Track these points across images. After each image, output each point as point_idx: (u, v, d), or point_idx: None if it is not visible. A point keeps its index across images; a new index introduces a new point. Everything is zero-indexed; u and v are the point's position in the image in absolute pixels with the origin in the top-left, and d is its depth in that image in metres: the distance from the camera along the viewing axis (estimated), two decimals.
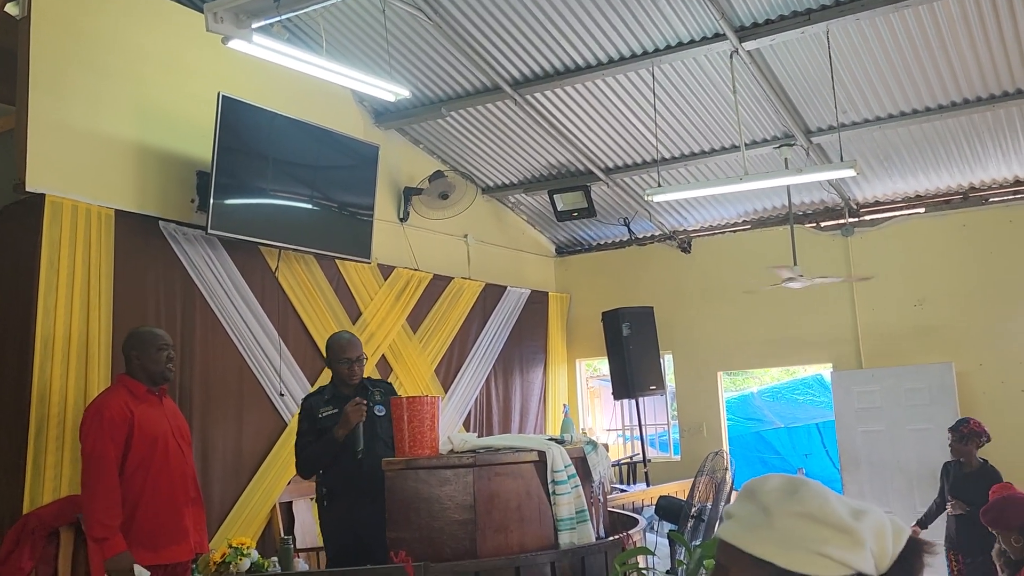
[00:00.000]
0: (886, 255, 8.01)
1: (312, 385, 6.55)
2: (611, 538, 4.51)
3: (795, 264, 7.35)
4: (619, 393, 8.52)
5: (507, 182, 8.65)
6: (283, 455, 6.25)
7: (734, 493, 7.68)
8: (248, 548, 5.19)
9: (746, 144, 7.13)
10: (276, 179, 6.22)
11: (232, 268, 6.08)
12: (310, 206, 6.46)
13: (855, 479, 7.73)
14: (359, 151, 6.84)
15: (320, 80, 5.30)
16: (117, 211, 5.37)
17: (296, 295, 6.55)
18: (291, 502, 6.29)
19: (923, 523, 6.49)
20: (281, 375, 6.29)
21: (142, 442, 4.19)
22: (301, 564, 5.65)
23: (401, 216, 7.69)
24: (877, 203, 8.21)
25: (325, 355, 4.92)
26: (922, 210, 8.02)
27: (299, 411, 4.90)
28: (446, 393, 7.83)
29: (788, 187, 7.68)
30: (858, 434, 7.76)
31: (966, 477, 6.37)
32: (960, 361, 7.57)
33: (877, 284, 7.92)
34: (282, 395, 6.27)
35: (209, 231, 5.64)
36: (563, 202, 8.35)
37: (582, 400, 9.75)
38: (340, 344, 4.83)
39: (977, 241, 7.70)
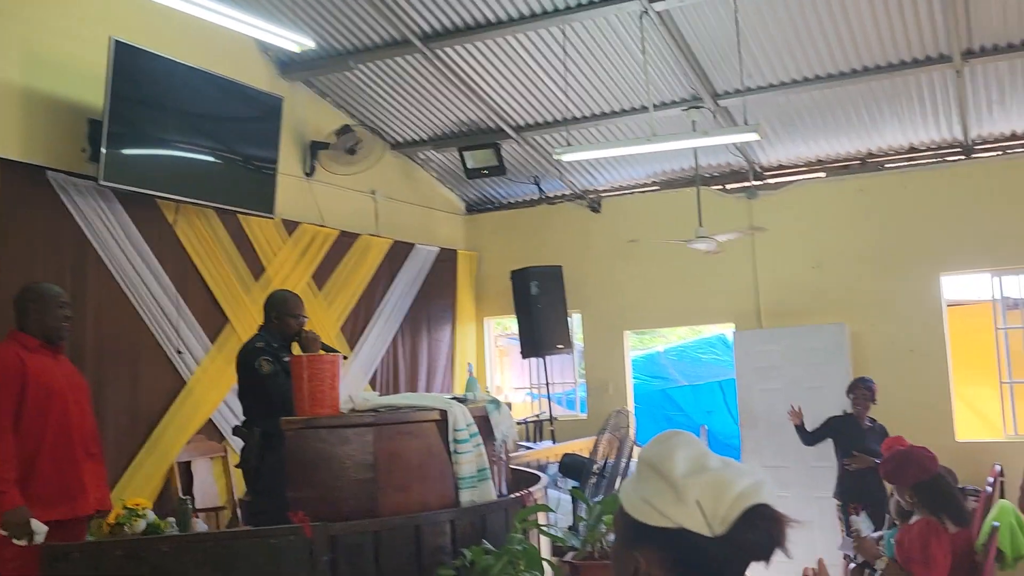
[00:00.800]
0: (787, 218, 8.20)
1: (212, 343, 6.41)
2: (512, 496, 4.55)
3: (700, 225, 7.46)
4: (527, 352, 8.57)
5: (416, 138, 8.53)
6: (182, 413, 6.12)
7: (636, 449, 7.85)
8: (144, 509, 5.08)
9: (655, 105, 7.18)
10: (174, 129, 6.01)
11: (127, 221, 5.86)
12: (211, 158, 6.27)
13: (753, 436, 7.97)
14: (262, 102, 6.65)
15: (222, 28, 5.10)
16: (1, 160, 5.11)
17: (196, 250, 6.36)
18: (190, 462, 6.16)
19: (800, 428, 6.86)
20: (180, 332, 6.12)
21: (37, 393, 4.05)
22: (200, 525, 5.56)
23: (307, 171, 7.53)
24: (780, 167, 8.38)
25: (267, 310, 4.96)
26: (822, 175, 8.22)
27: (256, 359, 4.71)
28: (352, 352, 7.74)
29: (695, 149, 7.76)
30: (757, 392, 7.98)
31: (865, 433, 6.65)
32: (853, 322, 7.83)
33: (778, 247, 8.11)
34: (180, 353, 6.12)
35: (101, 182, 5.42)
36: (473, 160, 8.29)
37: (490, 359, 9.78)
38: (295, 300, 4.99)
39: (873, 206, 7.94)
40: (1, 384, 3.98)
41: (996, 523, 4.94)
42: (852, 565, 5.68)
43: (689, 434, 1.35)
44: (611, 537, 1.39)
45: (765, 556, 1.26)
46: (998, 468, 6.86)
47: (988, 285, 7.80)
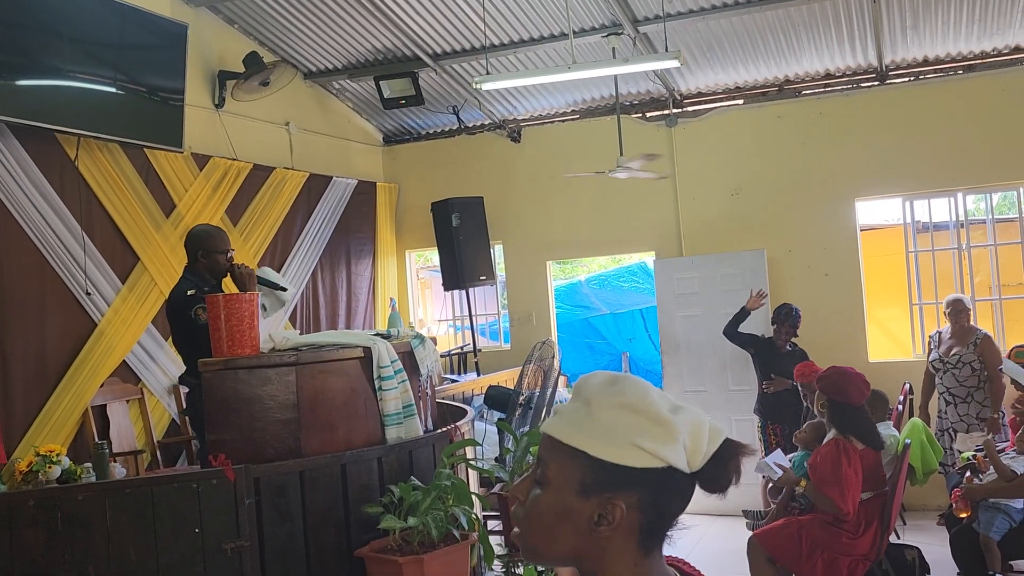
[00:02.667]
0: (707, 146, 8.23)
1: (123, 283, 6.19)
2: (439, 431, 4.53)
3: (621, 153, 7.43)
4: (449, 284, 8.51)
5: (331, 67, 8.26)
6: (94, 356, 5.92)
7: (562, 379, 7.93)
8: (58, 455, 4.91)
9: (575, 32, 7.06)
10: (72, 59, 5.68)
11: (24, 157, 5.56)
12: (112, 89, 5.96)
13: (674, 361, 8.10)
14: (166, 29, 6.32)
15: None
16: None
17: (100, 186, 6.08)
18: (105, 405, 5.98)
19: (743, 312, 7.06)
20: (87, 272, 5.88)
21: None
22: (119, 470, 5.41)
23: (216, 102, 7.22)
24: (700, 94, 8.37)
25: (190, 249, 4.79)
26: (741, 102, 8.25)
27: (191, 308, 4.51)
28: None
29: (615, 77, 7.69)
30: (678, 319, 8.09)
31: (783, 358, 6.85)
32: (771, 248, 7.96)
33: (698, 174, 8.15)
34: (89, 294, 5.88)
35: None
36: (390, 89, 8.07)
37: (412, 292, 9.69)
38: (220, 235, 4.83)
39: (790, 133, 8.01)
40: None
41: (908, 440, 5.14)
42: (770, 485, 5.86)
43: (625, 373, 1.32)
44: (536, 492, 1.30)
45: (724, 489, 1.28)
46: (908, 386, 7.13)
47: (900, 209, 7.99)
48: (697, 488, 1.28)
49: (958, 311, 6.55)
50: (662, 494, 1.24)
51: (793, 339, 7.06)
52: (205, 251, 4.75)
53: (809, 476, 4.81)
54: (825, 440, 4.77)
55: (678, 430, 1.24)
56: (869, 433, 4.74)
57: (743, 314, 7.07)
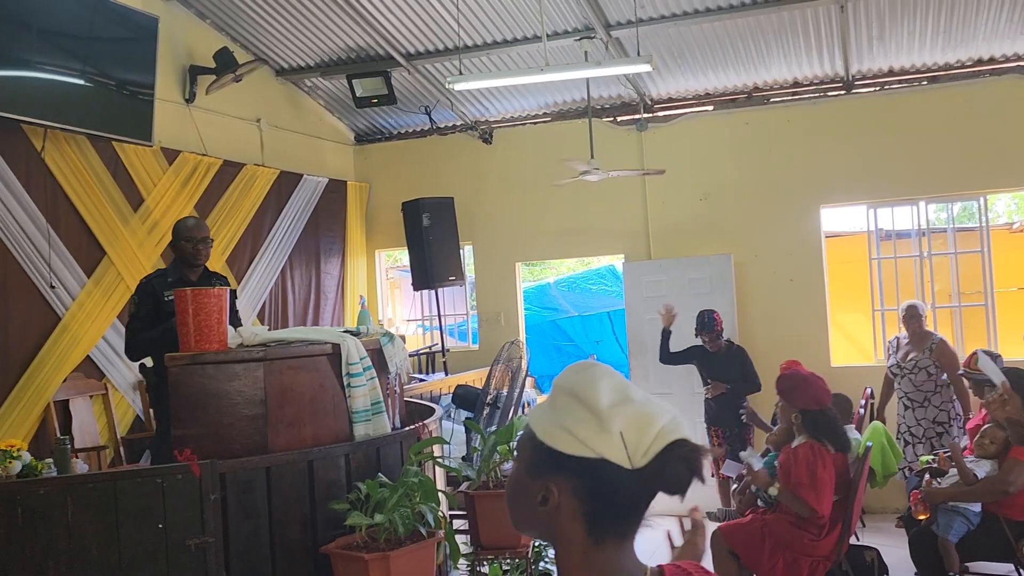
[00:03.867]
0: (676, 151, 8.30)
1: (88, 277, 6.13)
2: (407, 428, 4.54)
3: (592, 157, 7.48)
4: (419, 284, 8.51)
5: (303, 64, 8.23)
6: (57, 350, 5.85)
7: (530, 380, 7.95)
8: (19, 450, 4.85)
9: (548, 35, 7.09)
10: (41, 50, 5.63)
11: None
12: (81, 81, 5.91)
13: (641, 364, 8.15)
14: (136, 22, 6.28)
15: None
16: None
17: (67, 179, 6.02)
18: (68, 400, 5.92)
19: (666, 333, 7.17)
20: (51, 266, 5.81)
21: None
22: (81, 465, 5.35)
23: (187, 97, 7.17)
24: (670, 99, 8.44)
25: (172, 238, 4.95)
26: (710, 108, 8.33)
27: (136, 293, 4.82)
28: (239, 285, 7.52)
29: (587, 81, 7.74)
30: (645, 321, 8.14)
31: (720, 359, 6.94)
32: (738, 252, 8.04)
33: (667, 179, 8.21)
34: (53, 287, 5.82)
35: None
36: (362, 88, 8.06)
37: (381, 291, 9.67)
38: (187, 224, 4.88)
39: (758, 139, 8.11)
40: None
41: (869, 443, 5.22)
42: (735, 487, 5.91)
43: (608, 367, 1.33)
44: (507, 466, 1.34)
45: (681, 490, 1.26)
46: (869, 391, 7.23)
47: (864, 217, 8.11)
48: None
49: (911, 316, 6.65)
50: (599, 485, 1.24)
51: (734, 341, 7.14)
52: (174, 239, 4.88)
53: (779, 477, 4.87)
54: (795, 443, 4.82)
55: (612, 422, 1.23)
56: (841, 436, 4.82)
57: (665, 335, 7.18)
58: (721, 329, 6.98)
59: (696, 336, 7.06)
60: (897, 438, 6.56)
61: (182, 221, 4.96)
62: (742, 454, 5.50)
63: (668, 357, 7.20)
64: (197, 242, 4.77)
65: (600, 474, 1.23)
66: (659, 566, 1.35)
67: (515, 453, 1.36)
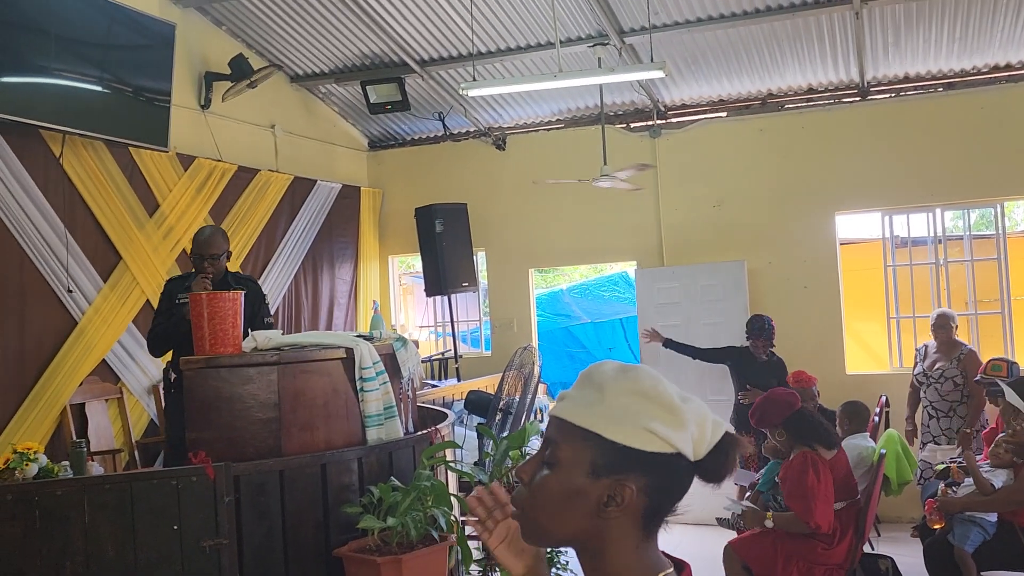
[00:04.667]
0: (690, 157, 8.30)
1: (104, 282, 6.18)
2: (419, 433, 4.55)
3: (605, 163, 7.48)
4: (432, 290, 8.53)
5: (317, 71, 8.28)
6: (73, 355, 5.90)
7: (542, 386, 7.95)
8: (35, 453, 4.88)
9: (561, 42, 7.12)
10: (60, 57, 5.68)
11: (8, 153, 5.55)
12: (99, 88, 5.96)
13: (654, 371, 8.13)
14: (154, 30, 6.33)
15: None
16: None
17: (84, 184, 6.07)
18: (84, 404, 5.96)
19: (668, 342, 7.31)
20: (69, 270, 5.86)
21: None
22: (96, 468, 5.38)
23: (202, 103, 7.22)
24: (684, 106, 8.45)
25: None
26: (724, 114, 8.33)
27: (161, 293, 5.00)
28: None
29: (600, 87, 7.75)
30: (658, 328, 8.12)
31: (760, 367, 6.89)
32: (752, 259, 8.03)
33: (680, 186, 8.21)
34: (70, 292, 5.86)
35: None
36: (376, 94, 8.10)
37: (395, 297, 9.70)
38: (198, 240, 4.88)
39: (772, 146, 8.09)
40: None
41: (883, 451, 5.20)
42: (748, 494, 5.89)
43: (636, 363, 1.38)
44: (544, 473, 1.32)
45: (722, 479, 1.34)
46: (884, 399, 7.20)
47: (879, 224, 8.08)
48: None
49: (940, 325, 6.58)
50: (668, 479, 1.29)
51: (771, 348, 7.09)
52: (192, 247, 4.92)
53: (781, 489, 4.85)
54: (792, 455, 4.81)
55: (687, 418, 1.29)
56: (827, 432, 4.82)
57: (672, 345, 7.30)
58: (773, 339, 6.96)
59: (748, 339, 6.96)
60: (922, 447, 6.50)
61: (198, 232, 4.97)
62: (725, 507, 5.48)
63: (702, 354, 7.18)
64: (204, 259, 4.73)
65: (673, 468, 1.29)
66: (673, 558, 1.39)
67: (549, 462, 1.33)
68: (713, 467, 1.32)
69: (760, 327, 6.92)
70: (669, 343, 7.27)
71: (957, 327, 6.67)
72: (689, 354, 7.22)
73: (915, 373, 6.68)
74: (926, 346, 6.72)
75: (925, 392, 6.55)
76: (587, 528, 1.30)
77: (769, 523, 4.75)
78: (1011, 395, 5.17)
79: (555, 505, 1.31)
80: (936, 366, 6.49)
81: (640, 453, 1.27)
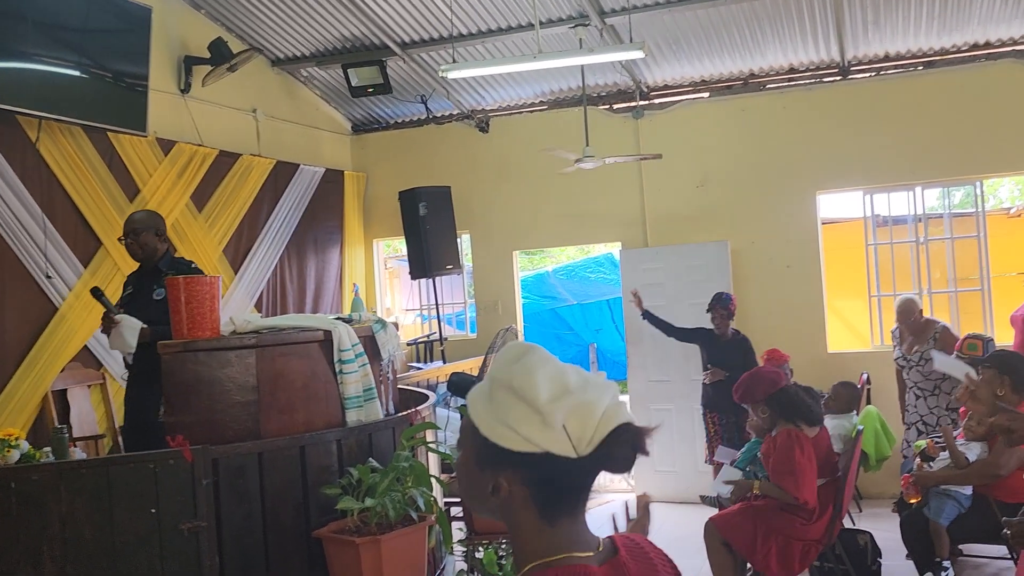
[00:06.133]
0: (672, 138, 8.30)
1: (85, 267, 6.17)
2: (399, 414, 4.57)
3: (588, 145, 7.48)
4: (416, 273, 8.53)
5: (298, 54, 8.24)
6: (54, 340, 5.89)
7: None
8: (16, 439, 4.88)
9: (542, 23, 7.10)
10: (36, 42, 5.64)
11: None
12: (76, 72, 5.93)
13: (639, 351, 8.17)
14: (130, 13, 6.29)
15: None
16: None
17: (62, 170, 6.04)
18: (66, 390, 5.96)
19: (647, 313, 7.35)
20: (48, 256, 5.84)
21: None
22: (79, 453, 5.39)
23: (182, 87, 7.19)
24: (666, 87, 8.45)
25: None
26: (706, 95, 8.33)
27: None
28: (236, 275, 7.56)
29: (582, 68, 7.74)
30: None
31: (724, 346, 6.93)
32: (735, 239, 8.06)
33: (663, 166, 8.22)
34: (49, 277, 5.85)
35: None
36: (358, 77, 8.07)
37: (380, 280, 9.70)
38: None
39: (754, 126, 8.10)
40: None
41: (861, 427, 5.24)
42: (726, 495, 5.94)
43: (541, 349, 1.34)
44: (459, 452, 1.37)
45: (626, 470, 1.31)
46: (865, 376, 7.26)
47: (860, 203, 8.11)
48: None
49: (906, 311, 6.53)
50: (546, 475, 1.28)
51: (739, 329, 7.11)
52: None
53: (764, 466, 4.90)
54: (775, 433, 4.85)
55: (554, 417, 1.25)
56: (810, 409, 4.86)
57: (650, 317, 7.30)
58: (733, 312, 6.96)
59: (708, 311, 6.98)
60: (909, 427, 6.52)
61: None
62: (713, 487, 5.52)
63: (674, 331, 7.21)
64: (126, 236, 4.64)
65: (547, 466, 1.27)
66: (610, 537, 1.38)
67: (459, 440, 1.37)
68: (608, 459, 1.27)
69: (719, 298, 6.96)
70: (647, 315, 7.30)
71: (921, 310, 6.64)
72: (663, 329, 7.25)
73: (895, 358, 6.70)
74: (900, 328, 6.70)
75: (908, 374, 6.56)
76: (492, 510, 1.34)
77: (756, 491, 4.80)
78: (939, 362, 5.31)
79: (464, 484, 1.37)
80: (915, 349, 6.50)
81: (508, 451, 1.27)
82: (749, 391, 4.96)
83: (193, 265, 4.68)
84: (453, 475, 4.83)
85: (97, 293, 4.49)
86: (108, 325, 4.41)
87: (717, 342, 7.00)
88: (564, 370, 1.30)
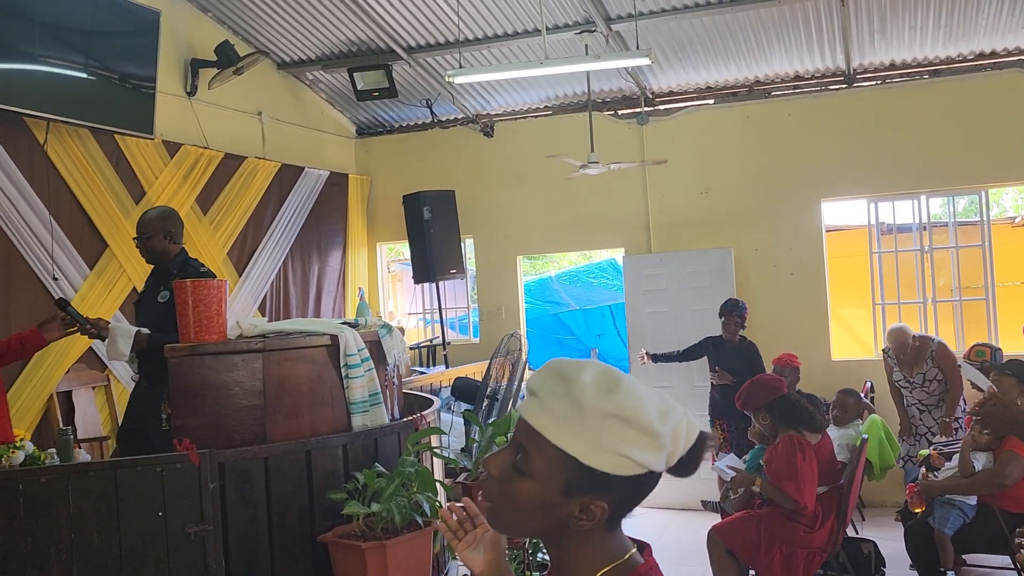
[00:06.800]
0: (677, 144, 8.31)
1: (90, 269, 6.18)
2: (404, 419, 4.57)
3: (592, 151, 7.49)
4: (420, 277, 8.53)
5: (304, 57, 8.26)
6: (59, 342, 5.85)
7: (530, 373, 7.97)
8: (22, 440, 4.89)
9: (548, 28, 7.11)
10: (44, 44, 5.66)
11: None
12: (83, 75, 5.95)
13: None
14: (139, 16, 6.31)
15: None
16: None
17: (69, 172, 6.06)
18: (71, 391, 5.96)
19: (655, 357, 7.28)
20: (54, 257, 5.85)
21: None
22: (83, 455, 5.39)
23: (188, 90, 7.20)
24: (671, 93, 8.45)
25: None
26: (711, 101, 8.34)
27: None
28: (240, 277, 7.57)
29: (588, 74, 7.75)
30: (645, 315, 8.17)
31: (731, 352, 6.94)
32: (739, 246, 8.06)
33: (667, 173, 8.23)
34: (56, 279, 5.86)
35: None
36: (363, 81, 8.08)
37: (383, 284, 9.70)
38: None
39: (759, 133, 8.11)
40: None
41: (865, 436, 5.24)
42: (727, 483, 5.94)
43: (619, 371, 1.34)
44: (516, 478, 1.33)
45: (691, 474, 1.37)
46: (869, 384, 7.26)
47: (864, 211, 8.11)
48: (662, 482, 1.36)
49: (898, 345, 6.48)
50: (638, 491, 1.32)
51: (746, 336, 7.11)
52: None
53: (766, 473, 4.90)
54: (777, 439, 4.86)
55: (666, 440, 1.28)
56: (812, 416, 4.86)
57: (660, 357, 7.31)
58: (745, 320, 6.98)
59: (721, 316, 6.97)
60: (916, 439, 6.49)
61: None
62: (713, 464, 5.53)
63: (684, 355, 7.22)
64: (136, 240, 4.61)
65: (645, 483, 1.31)
66: (635, 540, 1.41)
67: (520, 469, 1.32)
68: (683, 468, 1.34)
69: (733, 304, 6.98)
70: (656, 358, 7.31)
71: (913, 335, 6.55)
72: (676, 359, 7.26)
73: (895, 380, 6.61)
74: (895, 355, 6.58)
75: (911, 393, 6.52)
76: (556, 529, 1.33)
77: (757, 487, 4.80)
78: (968, 371, 5.31)
79: (527, 511, 1.33)
80: (916, 373, 6.47)
81: (615, 477, 1.27)
82: (750, 397, 4.97)
83: (203, 268, 4.59)
84: (458, 480, 4.84)
85: (63, 304, 4.36)
86: (93, 334, 4.34)
87: (724, 348, 7.01)
88: (648, 389, 1.32)
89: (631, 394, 1.27)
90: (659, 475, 1.32)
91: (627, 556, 1.34)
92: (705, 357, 7.19)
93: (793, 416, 4.82)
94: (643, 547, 1.40)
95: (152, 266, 4.71)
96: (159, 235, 4.56)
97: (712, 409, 7.04)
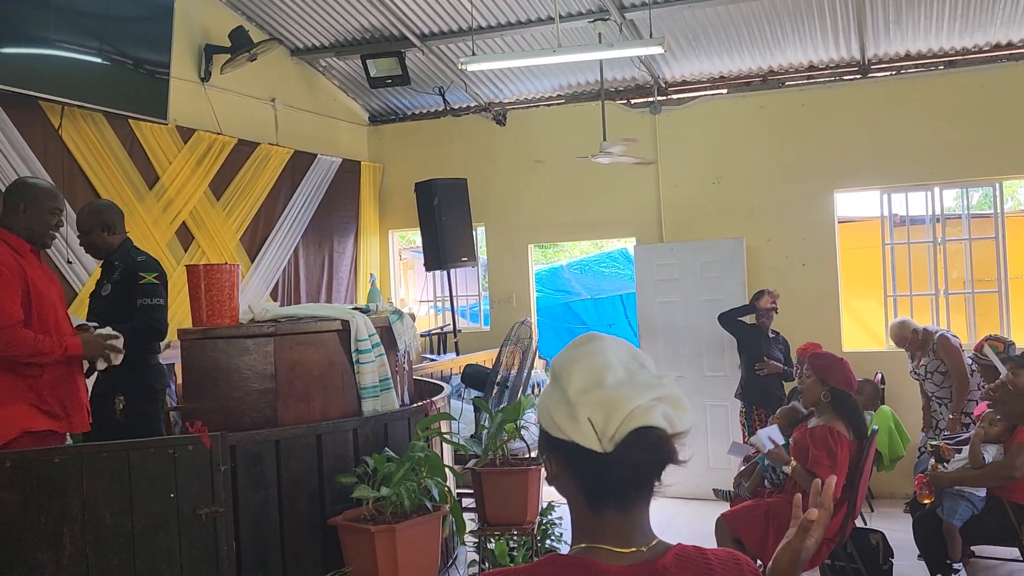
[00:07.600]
0: (690, 134, 8.29)
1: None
2: (414, 405, 4.59)
3: (604, 139, 7.48)
4: (431, 264, 8.55)
5: (318, 44, 8.26)
6: None
7: (541, 362, 7.99)
8: None
9: (561, 17, 7.10)
10: (59, 29, 5.68)
11: (7, 123, 5.58)
12: (98, 60, 5.97)
13: (652, 347, 8.17)
14: (153, 1, 6.35)
15: None
16: None
17: (84, 156, 6.09)
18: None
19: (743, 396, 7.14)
20: (68, 241, 5.88)
21: (40, 303, 3.72)
22: None
23: (202, 76, 7.22)
24: (684, 82, 8.43)
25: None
26: (724, 91, 8.31)
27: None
28: (252, 263, 7.60)
29: (601, 63, 7.74)
30: (656, 304, 8.17)
31: (771, 342, 6.97)
32: (750, 236, 8.04)
33: (679, 162, 8.21)
34: (70, 263, 5.89)
35: None
36: (376, 68, 8.09)
37: (394, 272, 9.73)
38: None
39: (772, 123, 8.08)
40: (7, 286, 3.60)
41: (875, 427, 5.23)
42: (741, 468, 5.94)
43: (602, 340, 1.35)
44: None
45: (652, 473, 1.31)
46: (880, 376, 7.24)
47: (877, 202, 8.08)
48: (673, 470, 1.31)
49: (898, 339, 6.64)
50: (579, 464, 1.31)
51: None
52: None
53: (791, 452, 4.87)
54: (812, 424, 4.82)
55: (580, 409, 1.28)
56: (861, 423, 4.82)
57: (749, 310, 7.20)
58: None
59: (755, 300, 7.07)
60: (936, 431, 6.49)
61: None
62: (753, 439, 5.51)
63: (731, 320, 7.19)
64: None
65: (578, 456, 1.29)
66: (673, 544, 1.38)
67: None
68: (631, 460, 1.27)
69: (765, 290, 7.08)
70: (744, 310, 7.29)
71: (914, 328, 6.63)
72: (728, 314, 7.20)
73: (910, 370, 6.74)
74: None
75: (925, 386, 6.61)
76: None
77: (788, 468, 4.76)
78: (991, 355, 5.30)
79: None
80: (921, 363, 6.55)
81: (550, 436, 1.33)
82: (831, 370, 4.84)
83: (142, 258, 4.45)
84: (467, 466, 4.86)
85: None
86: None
87: (762, 338, 7.02)
88: (609, 365, 1.31)
89: (572, 357, 1.33)
90: (600, 457, 1.26)
91: (583, 545, 1.33)
92: (724, 346, 7.19)
93: (850, 413, 4.78)
94: (664, 549, 1.35)
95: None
96: (96, 229, 4.49)
97: (749, 397, 6.98)
